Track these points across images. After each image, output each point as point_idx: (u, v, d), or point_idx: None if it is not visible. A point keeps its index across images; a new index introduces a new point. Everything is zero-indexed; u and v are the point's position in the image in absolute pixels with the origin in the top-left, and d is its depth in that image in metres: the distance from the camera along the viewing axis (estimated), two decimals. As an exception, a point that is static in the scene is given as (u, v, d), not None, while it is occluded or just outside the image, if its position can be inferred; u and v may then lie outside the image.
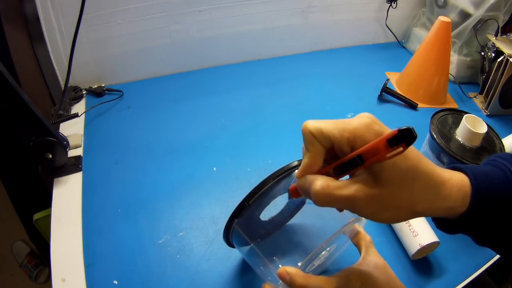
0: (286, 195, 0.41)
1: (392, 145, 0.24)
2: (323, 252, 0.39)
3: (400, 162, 0.27)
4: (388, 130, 0.28)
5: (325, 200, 0.28)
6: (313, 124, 0.29)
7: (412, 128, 0.24)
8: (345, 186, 0.27)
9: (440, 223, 0.33)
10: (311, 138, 0.29)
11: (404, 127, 0.24)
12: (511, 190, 0.29)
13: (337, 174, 0.29)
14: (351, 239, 0.44)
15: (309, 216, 0.44)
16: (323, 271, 0.48)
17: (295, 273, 0.34)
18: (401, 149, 0.25)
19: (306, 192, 0.29)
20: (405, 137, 0.24)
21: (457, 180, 0.30)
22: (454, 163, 0.57)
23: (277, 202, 0.41)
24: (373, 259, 0.40)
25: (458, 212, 0.30)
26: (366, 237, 0.42)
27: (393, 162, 0.26)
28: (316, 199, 0.28)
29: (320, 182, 0.28)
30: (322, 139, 0.28)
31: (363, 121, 0.28)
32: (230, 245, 0.45)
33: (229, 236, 0.42)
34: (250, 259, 0.42)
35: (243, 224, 0.40)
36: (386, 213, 0.28)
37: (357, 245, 0.43)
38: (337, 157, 0.30)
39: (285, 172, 0.40)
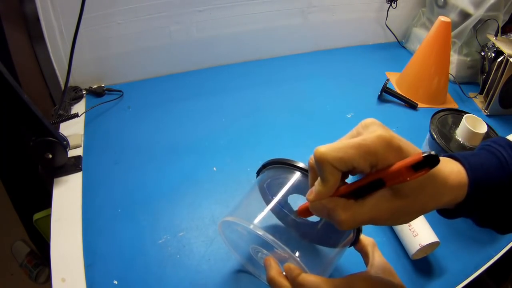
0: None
1: (416, 170, 0.25)
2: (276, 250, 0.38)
3: None
4: (405, 144, 0.28)
5: (349, 226, 0.28)
6: (331, 153, 0.27)
7: (437, 154, 0.25)
8: (366, 207, 0.28)
9: (440, 210, 0.34)
10: (331, 169, 0.27)
11: (427, 153, 0.25)
12: (506, 177, 0.31)
13: (356, 197, 0.29)
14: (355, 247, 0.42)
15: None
16: None
17: (294, 270, 0.35)
18: (424, 172, 0.25)
19: (326, 217, 0.30)
20: (428, 162, 0.25)
21: (456, 174, 0.31)
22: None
23: None
24: (380, 265, 0.38)
25: (457, 201, 0.31)
26: (367, 241, 0.41)
27: None
28: (341, 227, 0.28)
29: (344, 213, 0.28)
30: (344, 167, 0.27)
31: (383, 140, 0.27)
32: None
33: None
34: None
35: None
36: (402, 219, 0.30)
37: (361, 252, 0.41)
38: (346, 174, 0.29)
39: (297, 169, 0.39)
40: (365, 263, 0.40)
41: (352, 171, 0.28)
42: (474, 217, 0.33)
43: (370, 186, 0.28)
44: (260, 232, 0.35)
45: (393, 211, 0.28)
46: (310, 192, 0.30)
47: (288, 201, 0.40)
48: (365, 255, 0.41)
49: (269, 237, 0.35)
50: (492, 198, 0.31)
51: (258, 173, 0.46)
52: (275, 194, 0.40)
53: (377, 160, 0.27)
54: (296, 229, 0.38)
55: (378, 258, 0.39)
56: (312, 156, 0.31)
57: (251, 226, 0.36)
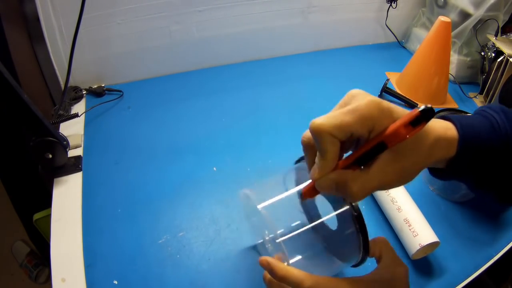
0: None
1: (414, 126, 0.26)
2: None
3: None
4: (394, 106, 0.29)
5: (362, 196, 0.29)
6: (328, 122, 0.27)
7: (431, 106, 0.26)
8: (373, 174, 0.29)
9: (434, 170, 0.35)
10: (331, 139, 0.28)
11: (423, 107, 0.26)
12: (497, 141, 0.31)
13: (361, 165, 0.29)
14: None
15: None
16: None
17: (276, 264, 0.34)
18: (421, 126, 0.26)
19: (335, 192, 0.30)
20: (425, 116, 0.26)
21: (447, 129, 0.32)
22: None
23: None
24: (390, 269, 0.35)
25: (449, 156, 0.32)
26: (377, 239, 0.38)
27: None
28: (354, 199, 0.29)
29: (354, 184, 0.28)
30: (342, 135, 0.28)
31: (375, 104, 0.28)
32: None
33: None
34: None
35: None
36: (407, 178, 0.30)
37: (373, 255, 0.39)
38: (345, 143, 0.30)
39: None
40: (376, 262, 0.39)
41: (350, 139, 0.29)
42: (467, 179, 0.34)
43: (373, 151, 0.28)
44: (262, 210, 0.35)
45: (398, 172, 0.29)
46: (313, 171, 0.30)
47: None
48: (376, 256, 0.39)
49: (265, 215, 0.35)
50: (482, 159, 0.31)
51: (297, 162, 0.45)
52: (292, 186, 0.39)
53: (374, 124, 0.28)
54: (309, 221, 0.38)
55: (389, 259, 0.37)
56: (304, 134, 0.32)
57: (259, 206, 0.36)
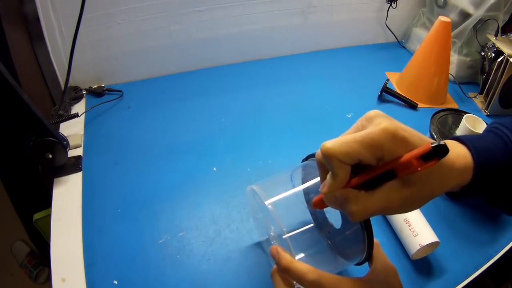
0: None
1: (426, 161, 0.25)
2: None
3: None
4: (411, 134, 0.28)
5: (361, 217, 0.29)
6: (337, 149, 0.27)
7: (445, 144, 0.25)
8: (377, 198, 0.28)
9: (448, 193, 0.35)
10: (339, 164, 0.28)
11: (436, 143, 0.25)
12: (511, 158, 0.31)
13: (368, 189, 0.29)
14: None
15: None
16: None
17: (283, 254, 0.35)
18: (434, 162, 0.25)
19: (339, 208, 0.30)
20: (437, 152, 0.25)
21: (462, 158, 0.31)
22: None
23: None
24: (382, 267, 0.36)
25: (463, 184, 0.31)
26: None
27: None
28: (353, 219, 0.29)
29: (355, 205, 0.28)
30: (350, 161, 0.28)
31: (388, 132, 0.27)
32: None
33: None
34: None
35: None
36: (412, 206, 0.30)
37: None
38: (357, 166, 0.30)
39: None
40: (368, 265, 0.39)
41: (359, 164, 0.29)
42: (481, 198, 0.34)
43: (381, 177, 0.28)
44: (269, 206, 0.36)
45: (404, 199, 0.29)
46: (323, 185, 0.31)
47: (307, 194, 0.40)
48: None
49: (272, 211, 0.35)
50: (498, 180, 0.31)
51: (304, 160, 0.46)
52: (300, 183, 0.40)
53: (383, 153, 0.27)
54: (315, 221, 0.38)
55: (381, 261, 0.37)
56: (318, 152, 0.32)
57: (266, 202, 0.37)
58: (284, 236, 0.35)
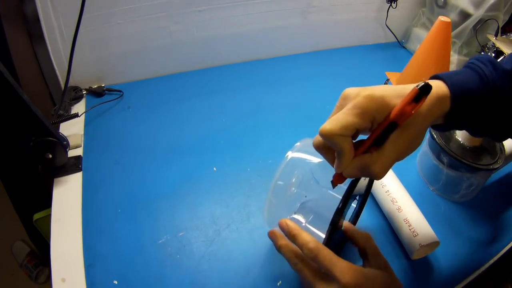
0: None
1: (417, 102, 0.30)
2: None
3: None
4: (384, 90, 0.33)
5: (384, 173, 0.33)
6: (335, 126, 0.31)
7: (428, 82, 0.30)
8: (389, 151, 0.32)
9: (434, 126, 0.39)
10: (342, 138, 0.32)
11: (421, 84, 0.30)
12: (486, 89, 0.35)
13: (378, 146, 0.33)
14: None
15: None
16: None
17: (292, 225, 0.40)
18: (423, 101, 0.30)
19: (361, 175, 0.34)
20: (424, 91, 0.30)
21: (440, 88, 0.35)
22: (454, 163, 0.57)
23: None
24: (375, 259, 0.40)
25: (445, 112, 0.36)
26: (362, 237, 0.42)
27: None
28: (379, 178, 0.33)
29: (375, 165, 0.32)
30: (350, 133, 0.32)
31: (368, 99, 0.32)
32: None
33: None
34: None
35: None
36: (417, 142, 0.34)
37: (357, 246, 0.42)
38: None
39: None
40: (361, 257, 0.42)
41: (357, 133, 0.33)
42: (466, 128, 0.38)
43: (386, 131, 0.32)
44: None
45: (409, 140, 0.33)
46: (337, 166, 0.34)
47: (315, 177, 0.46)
48: (361, 251, 0.42)
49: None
50: (475, 109, 0.35)
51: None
52: None
53: (373, 115, 0.32)
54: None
55: (374, 254, 0.41)
56: (315, 140, 0.36)
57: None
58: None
